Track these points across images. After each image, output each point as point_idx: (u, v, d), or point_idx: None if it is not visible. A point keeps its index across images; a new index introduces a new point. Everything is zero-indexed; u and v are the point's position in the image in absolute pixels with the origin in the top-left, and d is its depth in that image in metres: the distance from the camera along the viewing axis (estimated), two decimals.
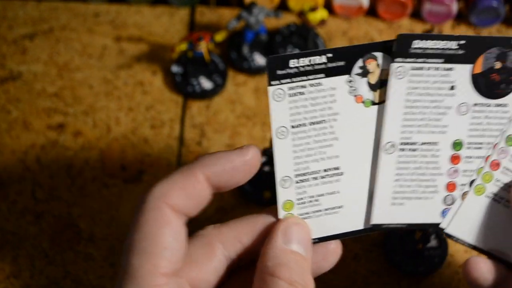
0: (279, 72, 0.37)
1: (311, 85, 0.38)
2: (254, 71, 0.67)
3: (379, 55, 0.38)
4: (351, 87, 0.38)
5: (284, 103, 0.38)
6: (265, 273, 0.37)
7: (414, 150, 0.39)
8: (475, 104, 0.39)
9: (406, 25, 0.71)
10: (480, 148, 0.40)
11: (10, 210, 0.59)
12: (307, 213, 0.40)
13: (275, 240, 0.38)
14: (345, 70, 0.38)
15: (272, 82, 0.37)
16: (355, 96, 0.38)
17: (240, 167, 0.38)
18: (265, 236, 0.39)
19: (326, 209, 0.40)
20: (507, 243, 0.41)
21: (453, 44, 0.38)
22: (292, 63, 0.37)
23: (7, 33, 0.69)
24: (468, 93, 0.39)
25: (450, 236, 0.41)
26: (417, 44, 0.37)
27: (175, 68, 0.66)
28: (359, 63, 0.38)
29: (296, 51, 0.67)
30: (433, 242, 0.56)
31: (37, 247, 0.57)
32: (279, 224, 0.39)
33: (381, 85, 0.38)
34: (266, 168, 0.60)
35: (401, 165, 0.39)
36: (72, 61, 0.68)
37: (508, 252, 0.41)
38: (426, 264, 0.55)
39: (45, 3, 0.71)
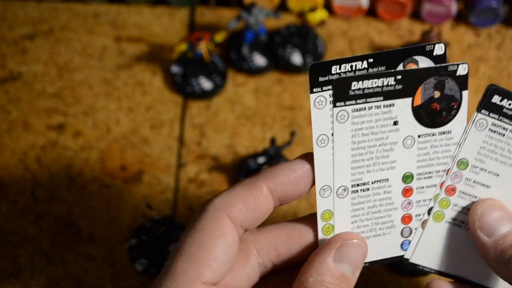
0: (321, 79, 0.37)
1: None
2: (254, 72, 0.67)
3: (420, 59, 0.38)
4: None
5: (326, 110, 0.38)
6: (304, 286, 0.36)
7: (366, 190, 0.40)
8: (420, 136, 0.39)
9: (406, 25, 0.71)
10: (430, 177, 0.40)
11: (10, 210, 0.59)
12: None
13: (326, 256, 0.37)
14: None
15: (314, 89, 0.38)
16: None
17: (303, 176, 0.38)
18: (301, 246, 0.39)
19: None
20: (472, 265, 0.41)
21: (390, 80, 0.38)
22: (334, 69, 0.37)
23: (7, 34, 0.69)
24: (411, 126, 0.39)
25: (415, 265, 0.41)
26: (355, 85, 0.37)
27: (175, 69, 0.66)
28: (400, 67, 0.38)
29: (296, 51, 0.67)
30: None
31: (37, 247, 0.57)
32: (335, 238, 0.38)
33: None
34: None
35: (355, 207, 0.40)
36: (72, 61, 0.68)
37: (473, 274, 0.42)
38: None
39: (45, 3, 0.71)
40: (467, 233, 0.41)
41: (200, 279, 0.35)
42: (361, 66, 0.38)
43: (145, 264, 0.56)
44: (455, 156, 0.40)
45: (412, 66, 0.38)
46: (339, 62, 0.38)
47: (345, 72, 0.38)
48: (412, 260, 0.41)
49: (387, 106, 0.38)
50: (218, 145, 0.63)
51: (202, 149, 0.63)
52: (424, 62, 0.39)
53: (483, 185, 0.40)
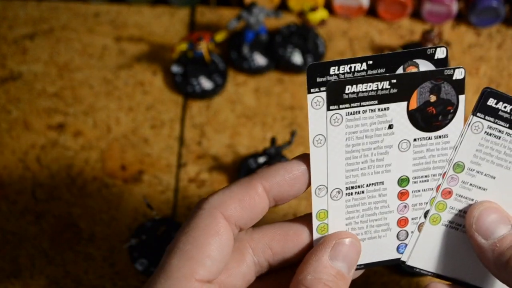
0: (319, 79, 0.37)
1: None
2: (254, 71, 0.67)
3: (421, 62, 0.38)
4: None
5: (323, 111, 0.38)
6: (302, 284, 0.37)
7: (361, 192, 0.39)
8: (415, 139, 0.39)
9: (406, 25, 0.71)
10: (426, 180, 0.40)
11: (10, 210, 0.59)
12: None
13: (322, 254, 0.38)
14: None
15: (312, 90, 0.38)
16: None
17: (299, 177, 0.38)
18: (296, 245, 0.39)
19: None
20: (469, 268, 0.41)
21: (385, 84, 0.38)
22: (333, 70, 0.37)
23: (8, 33, 0.69)
24: (406, 129, 0.39)
25: (412, 268, 0.41)
26: (349, 89, 0.37)
27: (175, 68, 0.66)
28: (400, 70, 0.38)
29: (297, 51, 0.67)
30: None
31: (37, 247, 0.57)
32: (331, 237, 0.39)
33: None
34: None
35: (350, 209, 0.40)
36: (72, 61, 0.68)
37: (470, 277, 0.42)
38: None
39: (45, 3, 0.71)
40: (464, 236, 0.41)
41: (194, 277, 0.35)
42: (360, 68, 0.38)
43: (145, 264, 0.56)
44: (451, 159, 0.40)
45: (412, 69, 0.38)
46: (338, 63, 0.37)
47: (343, 74, 0.38)
48: (409, 263, 0.41)
49: (381, 109, 0.38)
50: (219, 145, 0.63)
51: (202, 149, 0.63)
52: (424, 66, 0.38)
53: (480, 187, 0.40)
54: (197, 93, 0.65)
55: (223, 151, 0.62)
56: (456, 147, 0.39)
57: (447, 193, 0.40)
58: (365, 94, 0.38)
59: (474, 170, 0.40)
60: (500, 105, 0.39)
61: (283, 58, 0.67)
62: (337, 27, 0.71)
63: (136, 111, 0.65)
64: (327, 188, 0.39)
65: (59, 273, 0.56)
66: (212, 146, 0.63)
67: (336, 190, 0.39)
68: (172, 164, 0.62)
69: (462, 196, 0.40)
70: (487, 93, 0.38)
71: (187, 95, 0.66)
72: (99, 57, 0.68)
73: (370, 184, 0.39)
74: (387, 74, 0.38)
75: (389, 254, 0.41)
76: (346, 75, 0.38)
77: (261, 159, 0.61)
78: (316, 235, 0.39)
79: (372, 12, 0.71)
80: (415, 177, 0.40)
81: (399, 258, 0.41)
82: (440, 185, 0.40)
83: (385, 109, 0.38)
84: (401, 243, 0.41)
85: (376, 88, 0.38)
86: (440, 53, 0.38)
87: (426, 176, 0.40)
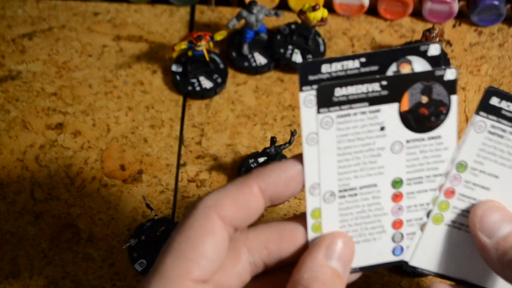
0: (311, 77, 0.37)
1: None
2: (254, 71, 0.67)
3: (414, 59, 0.38)
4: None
5: (315, 109, 0.38)
6: (300, 284, 0.37)
7: (354, 195, 0.39)
8: (408, 141, 0.39)
9: (407, 24, 0.71)
10: (421, 182, 0.40)
11: (9, 210, 0.59)
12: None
13: (317, 253, 0.38)
14: (379, 74, 0.38)
15: (304, 88, 0.37)
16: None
17: (294, 176, 0.38)
18: (292, 245, 0.39)
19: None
20: (472, 267, 0.41)
21: (375, 86, 0.37)
22: (325, 68, 0.37)
23: (6, 32, 0.69)
24: (399, 131, 0.38)
25: (414, 268, 0.41)
26: (339, 92, 0.37)
27: (175, 68, 0.66)
28: (393, 67, 0.38)
29: (297, 50, 0.67)
30: None
31: (36, 247, 0.57)
32: (325, 237, 0.39)
33: None
34: None
35: (343, 212, 0.39)
36: (72, 61, 0.67)
37: (473, 276, 0.42)
38: None
39: (44, 2, 0.71)
40: (467, 235, 0.40)
41: (189, 276, 0.35)
42: (353, 65, 0.37)
43: (144, 264, 0.56)
44: (454, 158, 0.39)
45: (405, 67, 0.38)
46: (330, 61, 0.37)
47: (336, 72, 0.37)
48: (412, 263, 0.41)
49: (373, 111, 0.38)
50: (218, 144, 0.63)
51: (202, 148, 0.62)
52: (418, 63, 0.38)
53: (483, 187, 0.40)
54: (197, 93, 0.65)
55: (223, 151, 0.62)
56: (459, 146, 0.39)
57: (450, 193, 0.40)
58: (356, 96, 0.37)
59: (477, 169, 0.39)
60: (503, 104, 0.38)
61: (283, 57, 0.67)
62: (338, 26, 0.70)
63: (135, 110, 0.64)
64: (320, 187, 0.39)
65: (58, 273, 0.56)
66: (212, 146, 0.62)
67: (329, 193, 0.39)
68: (172, 164, 0.61)
69: (465, 196, 0.40)
70: (490, 91, 0.38)
71: (187, 94, 0.65)
72: (98, 56, 0.68)
73: (363, 187, 0.39)
74: (377, 76, 0.37)
75: (385, 256, 0.41)
76: (339, 73, 0.37)
77: (261, 159, 0.61)
78: (310, 234, 0.39)
79: (372, 11, 0.71)
80: (409, 179, 0.40)
81: (399, 261, 0.41)
82: (442, 184, 0.40)
83: (376, 111, 0.38)
84: (397, 245, 0.41)
85: (366, 90, 0.37)
86: (434, 50, 0.38)
87: (420, 178, 0.40)
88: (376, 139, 0.38)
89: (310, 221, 0.39)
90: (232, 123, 0.64)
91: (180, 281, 0.35)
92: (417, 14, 0.71)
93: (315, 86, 0.37)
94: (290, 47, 0.67)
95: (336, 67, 0.37)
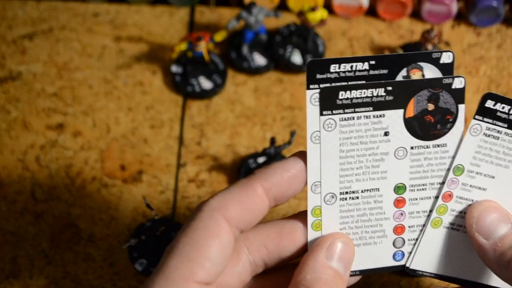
0: (319, 76, 0.37)
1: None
2: (254, 71, 0.67)
3: (425, 65, 0.38)
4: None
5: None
6: (302, 285, 0.37)
7: (355, 198, 0.39)
8: (412, 148, 0.39)
9: (406, 25, 0.71)
10: (424, 189, 0.40)
11: (9, 210, 0.59)
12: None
13: (318, 254, 0.38)
14: (388, 78, 0.37)
15: (311, 86, 0.37)
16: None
17: (297, 175, 0.38)
18: (291, 243, 0.39)
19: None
20: (471, 267, 0.41)
21: (380, 91, 0.37)
22: (333, 67, 0.37)
23: (7, 33, 0.69)
24: (403, 137, 0.38)
25: (414, 271, 0.41)
26: (343, 95, 0.37)
27: (174, 68, 0.66)
28: (403, 72, 0.37)
29: (296, 51, 0.67)
30: None
31: (36, 247, 0.57)
32: (326, 238, 0.39)
33: None
34: None
35: (344, 214, 0.39)
36: (72, 61, 0.67)
37: (473, 276, 0.42)
38: None
39: (44, 2, 0.71)
40: (465, 236, 0.40)
41: (193, 278, 0.35)
42: (362, 67, 0.37)
43: (144, 264, 0.56)
44: (451, 162, 0.39)
45: (416, 73, 0.38)
46: (339, 61, 0.37)
47: (344, 72, 0.37)
48: (412, 267, 0.41)
49: (377, 116, 0.38)
50: (218, 145, 0.63)
51: (202, 149, 0.62)
52: (429, 70, 0.38)
53: (479, 188, 0.40)
54: (197, 93, 0.65)
55: (223, 151, 0.62)
56: (456, 150, 0.39)
57: (448, 196, 0.40)
58: (360, 100, 0.37)
59: (473, 171, 0.39)
60: (498, 106, 0.38)
61: (282, 58, 0.67)
62: (337, 27, 0.70)
63: (135, 111, 0.65)
64: (321, 189, 0.39)
65: (59, 273, 0.56)
66: (212, 146, 0.63)
67: (330, 195, 0.39)
68: (172, 164, 0.62)
69: (462, 198, 0.40)
70: (485, 95, 0.38)
71: (187, 95, 0.65)
72: (99, 57, 0.68)
73: (365, 190, 0.39)
74: (383, 81, 0.37)
75: (385, 261, 0.41)
76: (347, 74, 0.37)
77: (261, 159, 0.61)
78: (311, 232, 0.39)
79: (371, 12, 0.71)
80: (412, 185, 0.39)
81: (400, 265, 0.41)
82: (441, 189, 0.40)
83: (380, 116, 0.38)
84: (398, 251, 0.41)
85: (371, 95, 0.37)
86: (446, 58, 0.38)
87: (423, 185, 0.39)
88: (379, 144, 0.38)
89: (310, 218, 0.39)
90: (231, 123, 0.64)
91: (184, 282, 0.35)
92: (416, 15, 0.71)
93: (322, 85, 0.37)
94: (289, 47, 0.68)
95: (345, 67, 0.37)
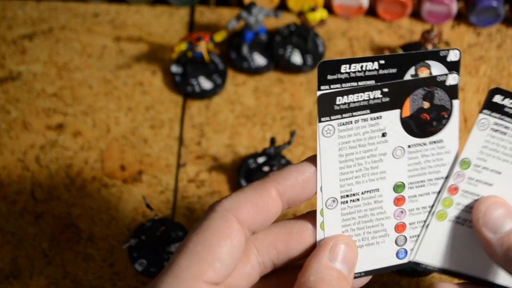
0: (330, 77, 0.37)
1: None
2: (254, 71, 0.67)
3: (432, 63, 0.38)
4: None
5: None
6: (306, 286, 0.37)
7: (356, 200, 0.39)
8: (410, 146, 0.39)
9: (406, 25, 0.71)
10: (423, 186, 0.40)
11: (9, 210, 0.59)
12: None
13: (321, 256, 0.38)
14: (397, 77, 0.38)
15: (322, 87, 0.37)
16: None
17: (310, 178, 0.38)
18: (300, 243, 0.39)
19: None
20: (475, 261, 0.41)
21: (376, 94, 0.37)
22: (344, 68, 0.37)
23: (7, 33, 0.69)
24: (400, 136, 0.39)
25: (418, 264, 0.41)
26: (340, 100, 0.37)
27: (174, 68, 0.66)
28: (411, 71, 0.38)
29: (296, 51, 0.67)
30: None
31: (36, 247, 0.57)
32: (328, 240, 0.39)
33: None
34: (266, 168, 0.60)
35: (346, 217, 0.40)
36: (72, 61, 0.68)
37: (477, 270, 0.42)
38: None
39: (44, 3, 0.71)
40: (470, 231, 0.41)
41: (202, 278, 0.35)
42: (372, 67, 0.38)
43: (144, 264, 0.56)
44: (457, 156, 0.40)
45: (424, 71, 0.38)
46: (349, 61, 0.37)
47: (354, 72, 0.37)
48: (415, 259, 0.41)
49: (374, 118, 0.38)
50: (218, 145, 0.63)
51: (202, 149, 0.63)
52: (437, 68, 0.38)
53: (486, 183, 0.40)
54: (197, 93, 0.65)
55: (223, 151, 0.62)
56: (452, 145, 0.39)
57: (453, 190, 0.40)
58: (357, 104, 0.37)
59: (480, 166, 0.40)
60: (506, 102, 0.39)
61: (282, 58, 0.67)
62: (337, 27, 0.70)
63: (135, 111, 0.65)
64: (322, 194, 0.39)
65: (59, 273, 0.56)
66: (212, 146, 0.63)
67: (331, 199, 0.39)
68: (172, 164, 0.62)
69: (468, 192, 0.40)
70: (493, 89, 0.38)
71: (187, 95, 0.66)
72: (99, 57, 0.68)
73: (365, 192, 0.39)
74: (379, 84, 0.37)
75: (389, 260, 0.41)
76: (358, 74, 0.37)
77: (261, 159, 0.61)
78: (320, 232, 0.39)
79: (371, 12, 0.71)
80: (410, 183, 0.40)
81: (404, 263, 0.41)
82: (446, 183, 0.40)
83: (377, 117, 0.38)
84: (400, 249, 0.41)
85: (367, 98, 0.37)
86: (453, 56, 0.38)
87: (422, 181, 0.40)
88: (377, 145, 0.38)
89: (319, 218, 0.39)
90: (231, 123, 0.64)
91: (193, 282, 0.35)
92: (416, 15, 0.71)
93: (333, 85, 0.37)
94: (289, 48, 0.68)
95: (355, 67, 0.38)
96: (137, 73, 0.67)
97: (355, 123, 0.38)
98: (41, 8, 0.71)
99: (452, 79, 0.38)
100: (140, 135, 0.63)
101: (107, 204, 0.59)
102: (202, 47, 0.64)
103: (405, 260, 0.41)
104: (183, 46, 0.64)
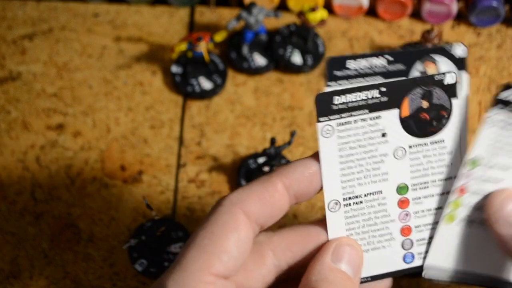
0: (338, 73, 0.37)
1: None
2: (254, 71, 0.67)
3: (439, 59, 0.38)
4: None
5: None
6: (308, 286, 0.37)
7: (359, 203, 0.39)
8: (411, 146, 0.39)
9: (406, 25, 0.71)
10: (426, 187, 0.39)
11: (9, 211, 0.59)
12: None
13: (324, 257, 0.38)
14: (405, 73, 0.38)
15: (329, 83, 0.37)
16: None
17: (318, 172, 0.38)
18: (316, 246, 0.39)
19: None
20: (488, 260, 0.41)
21: (374, 93, 0.37)
22: (352, 64, 0.37)
23: (7, 33, 0.69)
24: (400, 136, 0.38)
25: (430, 281, 0.41)
26: (338, 100, 0.37)
27: (174, 68, 0.66)
28: (418, 66, 0.38)
29: (296, 51, 0.67)
30: None
31: (36, 247, 0.57)
32: (330, 242, 0.39)
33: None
34: (266, 169, 0.60)
35: (349, 220, 0.39)
36: (72, 61, 0.67)
37: (489, 268, 0.41)
38: None
39: (44, 3, 0.71)
40: (481, 229, 0.40)
41: (210, 271, 0.35)
42: (380, 63, 0.38)
43: (144, 264, 0.56)
44: (462, 156, 0.39)
45: (430, 66, 0.38)
46: (357, 57, 0.37)
47: (363, 69, 0.37)
48: (427, 263, 0.41)
49: (373, 118, 0.38)
50: (218, 145, 0.63)
51: (202, 149, 0.62)
52: (444, 63, 0.38)
53: (495, 179, 0.39)
54: (197, 93, 0.65)
55: (223, 152, 0.62)
56: (453, 145, 0.39)
57: (461, 191, 0.39)
58: (355, 104, 0.37)
59: (489, 163, 0.39)
60: None
61: (282, 58, 0.67)
62: (337, 27, 0.70)
63: (135, 111, 0.65)
64: (324, 197, 0.39)
65: (59, 273, 0.56)
66: (212, 147, 0.63)
67: (333, 202, 0.39)
68: (172, 165, 0.62)
69: (477, 191, 0.40)
70: (504, 84, 0.38)
71: (187, 95, 0.65)
72: (99, 57, 0.68)
73: (368, 194, 0.39)
74: (376, 83, 0.37)
75: (396, 264, 0.40)
76: (366, 71, 0.37)
77: (261, 159, 0.61)
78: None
79: (371, 12, 0.71)
80: (414, 184, 0.39)
81: (413, 267, 0.41)
82: (453, 185, 0.40)
83: (376, 117, 0.38)
84: (407, 253, 0.40)
85: (366, 97, 0.37)
86: (460, 52, 0.38)
87: (425, 183, 0.39)
88: (378, 145, 0.38)
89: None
90: (231, 123, 0.64)
91: (201, 274, 0.35)
92: (416, 15, 0.71)
93: (341, 82, 0.37)
94: (289, 48, 0.68)
95: (364, 64, 0.37)
96: (137, 73, 0.67)
97: (354, 123, 0.38)
98: (41, 8, 0.71)
99: (450, 78, 0.38)
100: (140, 135, 0.63)
101: (107, 204, 0.59)
102: (202, 47, 0.64)
103: (414, 265, 0.41)
104: (183, 46, 0.64)
